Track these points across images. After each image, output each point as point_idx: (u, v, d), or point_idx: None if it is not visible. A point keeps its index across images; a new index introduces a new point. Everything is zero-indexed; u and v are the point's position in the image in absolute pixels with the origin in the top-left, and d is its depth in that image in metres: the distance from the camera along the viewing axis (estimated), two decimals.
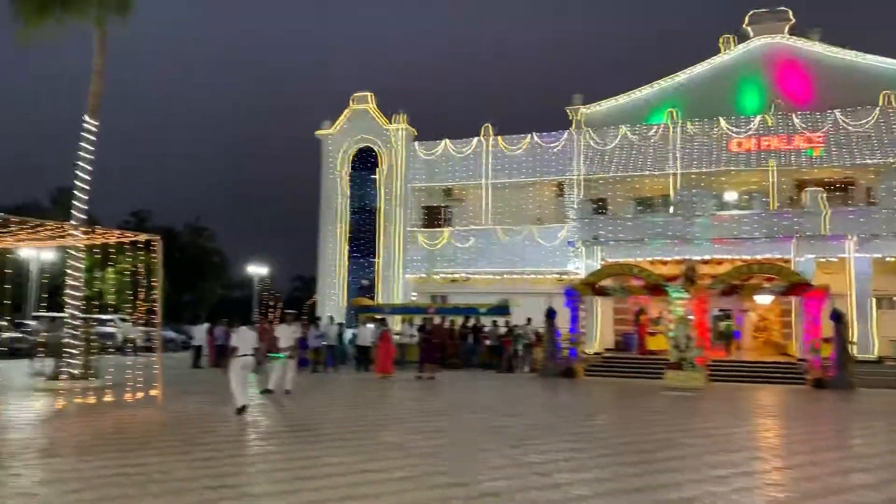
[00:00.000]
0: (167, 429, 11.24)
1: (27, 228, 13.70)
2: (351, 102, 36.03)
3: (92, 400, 14.38)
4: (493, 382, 20.84)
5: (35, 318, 33.20)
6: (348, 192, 35.63)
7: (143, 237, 14.66)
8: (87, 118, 17.94)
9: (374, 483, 7.63)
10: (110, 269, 39.84)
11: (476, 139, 33.91)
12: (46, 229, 13.61)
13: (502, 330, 25.82)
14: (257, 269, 51.23)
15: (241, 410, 12.72)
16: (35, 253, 36.33)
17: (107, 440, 10.15)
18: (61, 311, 23.31)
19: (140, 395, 14.79)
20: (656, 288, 22.53)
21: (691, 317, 21.19)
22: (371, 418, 12.82)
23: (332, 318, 26.89)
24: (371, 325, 24.97)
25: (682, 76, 33.69)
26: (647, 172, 31.05)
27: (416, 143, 35.05)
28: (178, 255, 53.59)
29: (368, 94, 35.95)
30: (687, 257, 25.24)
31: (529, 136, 33.09)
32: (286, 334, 16.81)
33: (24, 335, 29.51)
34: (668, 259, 26.59)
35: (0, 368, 22.17)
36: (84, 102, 18.16)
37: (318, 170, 36.44)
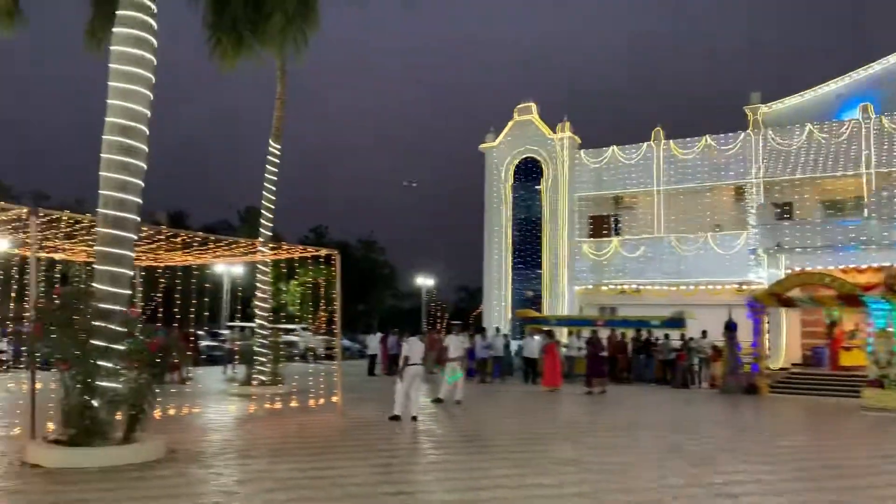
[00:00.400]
0: (347, 434, 11.74)
1: (223, 246, 14.96)
2: (515, 114, 36.16)
3: (279, 405, 15.35)
4: (668, 398, 19.94)
5: (228, 327, 36.09)
6: (512, 204, 35.73)
7: (323, 252, 15.51)
8: (271, 142, 19.29)
9: (548, 497, 7.49)
10: (293, 282, 42.52)
11: (645, 144, 32.84)
12: (239, 246, 14.74)
13: (676, 343, 24.68)
14: (425, 281, 52.71)
15: (395, 418, 13.09)
16: (227, 268, 39.55)
17: (294, 443, 10.76)
18: (250, 321, 25.21)
19: (322, 401, 15.60)
20: (851, 298, 20.56)
21: (893, 329, 19.11)
22: (542, 432, 12.67)
23: (498, 330, 27.01)
24: (537, 337, 24.80)
25: (877, 67, 30.70)
26: (839, 173, 28.50)
27: (582, 152, 34.52)
28: (352, 267, 56.36)
29: (531, 104, 35.91)
30: (886, 264, 22.86)
31: (704, 138, 31.53)
32: (455, 344, 17.07)
33: (218, 343, 32.14)
34: (865, 266, 24.23)
35: (199, 374, 24.34)
36: (266, 128, 19.55)
37: (481, 182, 36.89)
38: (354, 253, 59.98)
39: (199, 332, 34.59)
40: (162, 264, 16.92)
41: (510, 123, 36.23)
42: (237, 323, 33.17)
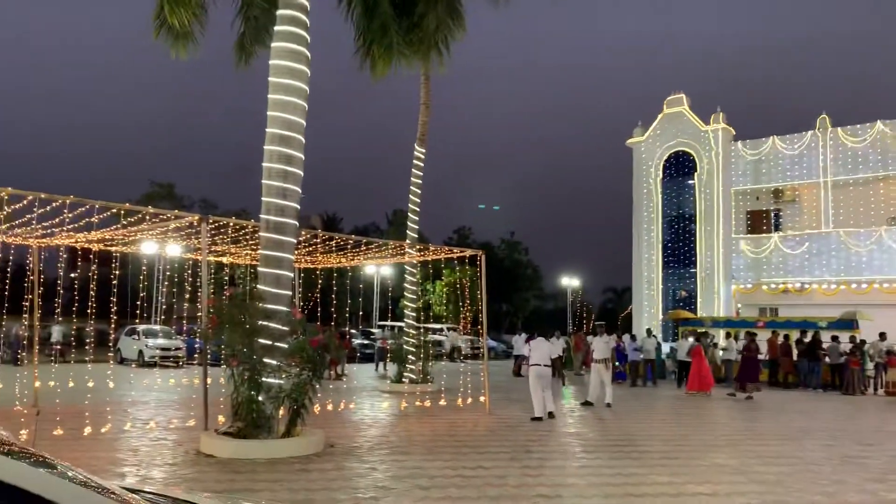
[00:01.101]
0: (496, 434, 11.74)
1: (373, 248, 15.46)
2: (664, 106, 34.88)
3: (429, 403, 15.63)
4: (838, 405, 18.42)
5: (379, 326, 37.31)
6: (662, 200, 34.45)
7: (468, 252, 15.64)
8: (416, 147, 19.71)
9: None
10: (439, 283, 43.31)
11: (809, 133, 30.63)
12: (388, 248, 15.17)
13: (846, 346, 22.76)
14: (570, 281, 51.98)
15: (537, 419, 13.22)
16: (376, 269, 40.87)
17: (445, 441, 10.89)
18: (399, 320, 25.92)
19: (469, 400, 15.73)
20: None
21: None
22: (698, 437, 12.07)
23: (649, 332, 26.11)
24: (691, 339, 23.73)
25: None
26: None
27: (738, 143, 32.72)
28: (495, 268, 56.58)
29: (682, 95, 34.49)
30: None
31: (876, 124, 28.94)
32: (600, 346, 16.80)
33: (370, 342, 33.30)
34: None
35: (353, 371, 25.33)
36: (410, 134, 20.00)
37: (629, 178, 35.87)
38: (497, 253, 60.21)
39: (353, 331, 36.08)
40: (317, 266, 17.73)
41: (659, 116, 35.00)
42: (388, 322, 34.28)
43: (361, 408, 14.86)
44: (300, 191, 10.05)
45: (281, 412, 9.71)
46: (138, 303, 24.52)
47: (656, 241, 34.40)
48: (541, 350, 13.68)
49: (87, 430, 10.67)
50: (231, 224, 11.58)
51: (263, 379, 9.35)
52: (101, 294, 14.94)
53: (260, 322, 9.38)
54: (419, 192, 19.81)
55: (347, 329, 31.06)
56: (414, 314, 19.74)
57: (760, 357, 23.56)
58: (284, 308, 9.60)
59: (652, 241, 34.49)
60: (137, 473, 8.06)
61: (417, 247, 15.97)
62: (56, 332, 28.37)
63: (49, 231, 11.16)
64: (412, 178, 19.79)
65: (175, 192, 44.21)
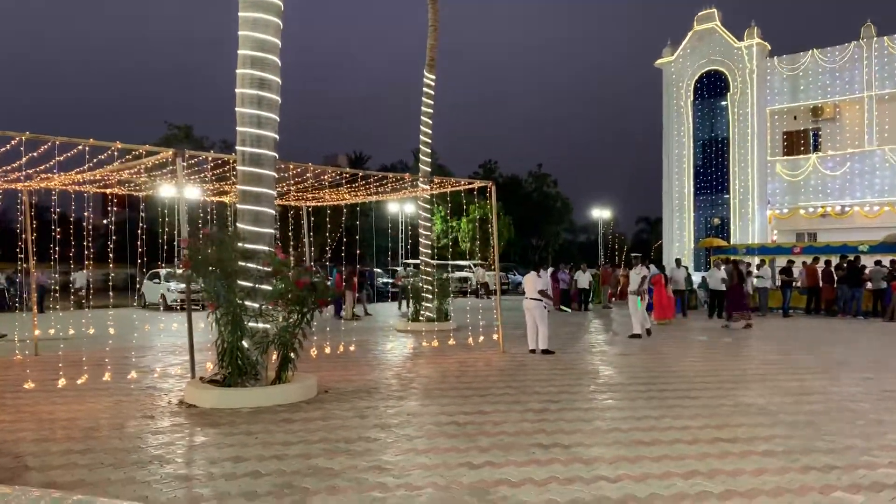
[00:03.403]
0: (506, 374, 11.05)
1: (382, 182, 14.62)
2: (694, 23, 32.88)
3: (442, 342, 14.99)
4: (880, 333, 17.37)
5: (404, 265, 36.77)
6: (693, 123, 32.79)
7: (477, 184, 14.72)
8: (425, 73, 18.58)
9: (729, 456, 6.29)
10: (464, 219, 42.48)
11: (852, 44, 28.57)
12: (394, 182, 14.30)
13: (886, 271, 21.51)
14: (601, 213, 50.70)
15: (545, 352, 13.19)
16: (400, 206, 40.09)
17: (449, 383, 10.23)
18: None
19: (484, 338, 15.06)
20: None
21: None
22: (724, 373, 11.23)
23: (678, 262, 25.05)
24: (724, 268, 22.64)
25: None
26: None
27: (775, 59, 30.76)
28: (523, 201, 55.43)
29: (713, 10, 32.40)
30: None
31: None
32: (635, 278, 16.58)
33: (394, 281, 32.83)
34: None
35: (377, 310, 24.84)
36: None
37: (659, 102, 34.17)
38: (525, 187, 58.96)
39: (377, 270, 35.60)
40: (323, 204, 16.97)
41: (689, 34, 33.04)
42: (413, 261, 33.68)
43: (370, 348, 14.28)
44: (277, 118, 9.18)
45: (274, 358, 9.12)
46: (163, 247, 24.18)
47: (688, 166, 32.93)
48: (529, 284, 13.49)
49: (83, 378, 10.23)
50: (209, 158, 10.81)
51: (248, 324, 8.71)
52: (125, 239, 14.40)
53: (240, 263, 8.68)
54: (430, 122, 18.78)
55: (368, 268, 30.51)
56: (429, 250, 18.99)
57: (797, 285, 22.47)
58: (265, 248, 8.86)
59: (683, 167, 33.04)
60: (110, 424, 7.53)
61: (421, 178, 15.07)
62: (79, 278, 28.36)
63: (28, 174, 10.53)
64: (422, 108, 18.74)
65: (193, 133, 43.52)
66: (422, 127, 18.70)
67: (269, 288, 8.75)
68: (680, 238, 32.93)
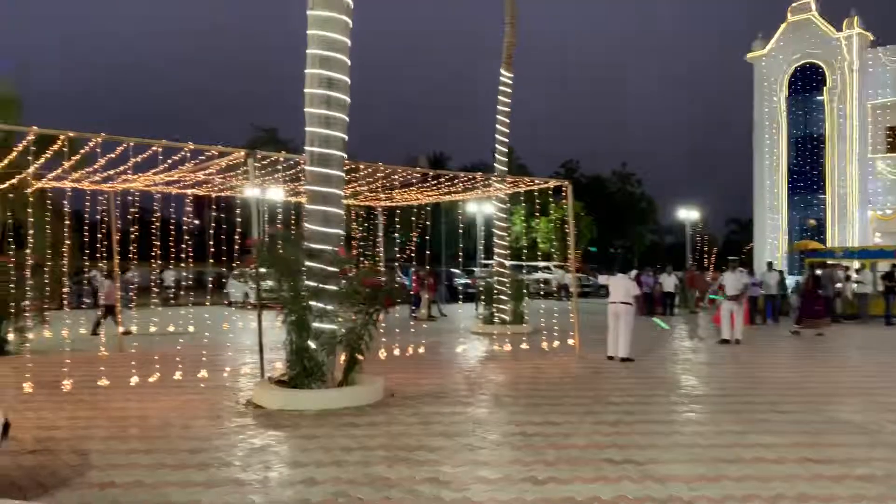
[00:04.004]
0: (579, 382, 10.61)
1: (453, 182, 14.39)
2: (788, 14, 31.27)
3: (516, 345, 14.63)
4: None
5: (483, 265, 36.50)
6: (787, 119, 31.17)
7: (552, 182, 14.29)
8: (502, 71, 18.26)
9: (821, 479, 5.72)
10: (544, 219, 41.87)
11: None
12: (467, 181, 14.05)
13: None
14: (688, 214, 48.99)
15: (609, 357, 12.60)
16: (479, 206, 39.85)
17: (519, 390, 9.90)
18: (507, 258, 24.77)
19: (562, 342, 14.62)
20: None
21: None
22: (819, 384, 10.45)
23: (770, 265, 23.82)
24: (819, 272, 21.36)
25: None
26: None
27: (878, 50, 28.87)
28: (606, 202, 54.23)
29: (809, 0, 30.72)
30: None
31: None
32: (731, 282, 16.02)
33: (472, 281, 32.60)
34: None
35: (454, 311, 24.64)
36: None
37: (749, 97, 32.66)
38: (609, 187, 57.69)
39: (455, 271, 35.48)
40: (397, 204, 16.89)
41: (783, 26, 31.44)
42: (490, 261, 33.34)
43: (441, 351, 14.07)
44: (346, 118, 9.06)
45: (341, 359, 9.02)
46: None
47: (780, 165, 31.35)
48: (616, 287, 12.80)
49: (158, 376, 10.42)
50: (281, 159, 10.82)
51: (313, 324, 8.63)
52: (212, 239, 14.71)
53: (307, 263, 8.61)
54: (507, 120, 18.44)
55: (444, 269, 30.39)
56: (504, 251, 18.65)
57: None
58: (331, 247, 8.75)
59: (775, 166, 31.46)
60: (176, 424, 7.58)
61: (493, 178, 14.75)
62: (168, 276, 29.42)
63: (106, 175, 10.84)
64: (498, 107, 18.42)
65: (277, 135, 44.50)
66: (497, 126, 18.38)
67: (335, 288, 8.64)
68: (772, 240, 31.38)
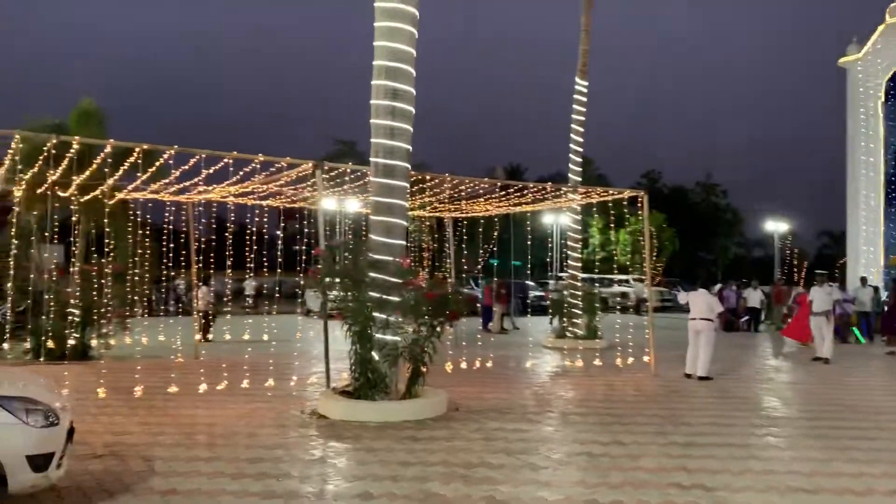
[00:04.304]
0: (652, 401, 10.19)
1: (533, 191, 14.16)
2: (886, 16, 29.64)
3: (588, 361, 14.23)
4: None
5: (557, 278, 35.96)
6: (884, 127, 29.48)
7: (627, 193, 13.85)
8: (577, 80, 17.94)
9: None
10: (622, 231, 40.97)
11: None
12: (540, 192, 13.80)
13: None
14: (777, 226, 46.98)
15: (686, 376, 12.15)
16: (555, 217, 39.31)
17: (588, 408, 9.58)
18: (583, 271, 24.23)
19: (637, 358, 14.15)
20: None
21: None
22: None
23: (864, 280, 22.47)
24: None
25: None
26: None
27: None
28: (690, 213, 52.66)
29: None
30: None
31: None
32: (820, 297, 15.27)
33: (545, 294, 32.10)
34: None
35: (527, 324, 24.29)
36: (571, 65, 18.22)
37: (842, 104, 31.07)
38: (693, 198, 56.03)
39: (530, 283, 35.04)
40: (468, 215, 16.78)
41: (880, 28, 29.81)
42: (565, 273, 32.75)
43: (510, 364, 13.81)
44: (410, 129, 9.02)
45: (406, 371, 8.94)
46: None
47: (877, 174, 29.64)
48: (696, 302, 12.27)
49: (231, 383, 10.60)
50: (348, 171, 10.88)
51: (376, 335, 8.59)
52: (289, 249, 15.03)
53: (371, 274, 8.59)
54: (581, 129, 18.09)
55: (520, 281, 30.04)
56: (577, 263, 18.25)
57: None
58: (395, 259, 8.70)
59: (871, 176, 29.76)
60: (240, 432, 7.64)
61: (565, 188, 14.43)
62: (248, 285, 30.19)
63: (181, 187, 11.16)
64: (573, 116, 18.09)
65: (356, 148, 45.18)
66: (572, 135, 18.05)
67: (398, 299, 8.57)
68: (867, 254, 29.66)
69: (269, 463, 6.48)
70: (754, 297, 24.31)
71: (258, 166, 9.60)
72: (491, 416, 8.74)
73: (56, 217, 11.94)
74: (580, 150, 17.99)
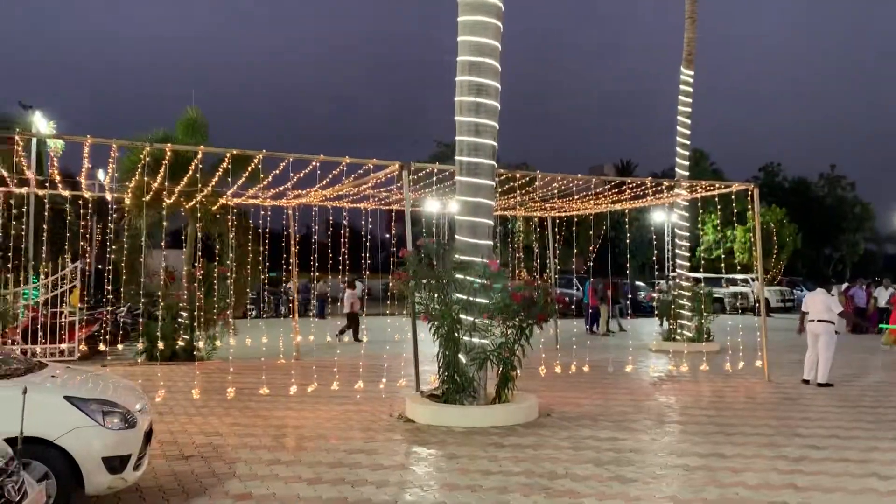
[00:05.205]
0: (763, 409, 9.44)
1: (630, 187, 13.56)
2: None
3: (694, 365, 13.44)
4: None
5: (667, 278, 34.55)
6: None
7: (735, 186, 12.96)
8: (682, 69, 17.08)
9: None
10: (741, 227, 38.91)
11: None
12: (639, 187, 13.18)
13: None
14: None
15: (804, 381, 11.38)
16: (668, 215, 37.80)
17: (689, 416, 8.99)
18: (695, 270, 23.06)
19: (749, 363, 13.25)
20: None
21: None
22: None
23: None
24: None
25: None
26: None
27: None
28: (813, 207, 49.42)
29: None
30: None
31: None
32: None
33: (646, 295, 30.98)
34: None
35: (636, 326, 23.42)
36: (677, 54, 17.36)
37: None
38: (816, 191, 52.53)
39: (639, 283, 33.92)
40: (567, 214, 16.30)
41: None
42: (683, 272, 31.39)
43: (613, 369, 13.23)
44: (496, 125, 8.75)
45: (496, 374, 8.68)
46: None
47: None
48: (814, 303, 11.39)
49: (312, 387, 10.67)
50: (435, 171, 10.72)
51: (464, 338, 8.37)
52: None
53: (456, 276, 8.38)
54: (688, 121, 17.19)
55: (628, 281, 29.08)
56: (685, 262, 17.35)
57: None
58: (481, 259, 8.45)
59: None
60: (325, 436, 7.61)
61: (665, 183, 13.68)
62: (357, 287, 30.76)
63: (277, 191, 11.36)
64: (679, 107, 17.22)
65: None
66: (678, 127, 17.18)
67: (485, 301, 8.32)
68: None
69: (347, 468, 6.38)
70: (885, 296, 22.38)
71: (345, 169, 9.61)
72: (583, 424, 8.33)
73: (165, 223, 12.41)
74: (687, 142, 17.11)
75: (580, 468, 6.41)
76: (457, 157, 8.79)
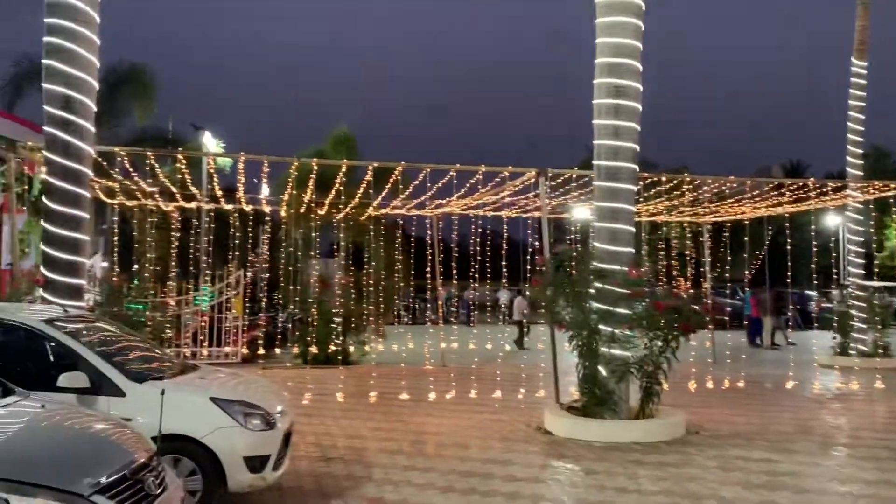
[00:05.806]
0: None
1: (790, 188, 12.62)
2: None
3: (868, 383, 12.18)
4: None
5: (841, 286, 31.74)
6: None
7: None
8: (853, 60, 15.65)
9: None
10: None
11: None
12: (801, 189, 12.20)
13: None
14: None
15: None
16: (841, 219, 34.78)
17: (860, 439, 8.16)
18: (876, 278, 20.89)
19: None
20: None
21: None
22: None
23: None
24: None
25: None
26: None
27: None
28: None
29: None
30: None
31: None
32: None
33: (815, 305, 28.62)
34: None
35: (804, 339, 21.68)
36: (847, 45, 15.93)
37: None
38: None
39: (810, 293, 31.38)
40: (723, 219, 15.41)
41: None
42: (860, 281, 28.76)
43: (774, 384, 12.27)
44: (637, 127, 8.41)
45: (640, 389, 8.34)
46: None
47: None
48: None
49: (450, 393, 10.74)
50: (574, 176, 10.46)
51: (602, 349, 8.10)
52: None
53: (595, 284, 8.13)
54: (861, 117, 15.72)
55: (798, 291, 26.99)
56: (860, 269, 15.84)
57: None
58: (620, 268, 8.14)
59: None
60: (463, 444, 7.63)
61: (832, 185, 12.44)
62: (502, 295, 30.82)
63: (418, 201, 11.59)
64: (850, 101, 15.79)
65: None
66: (850, 123, 15.74)
67: (626, 311, 8.01)
68: None
69: (481, 478, 6.34)
70: None
71: (481, 177, 9.63)
72: (735, 443, 7.78)
73: (317, 234, 13.04)
74: (860, 139, 15.63)
75: (727, 490, 5.99)
76: (594, 162, 8.55)
